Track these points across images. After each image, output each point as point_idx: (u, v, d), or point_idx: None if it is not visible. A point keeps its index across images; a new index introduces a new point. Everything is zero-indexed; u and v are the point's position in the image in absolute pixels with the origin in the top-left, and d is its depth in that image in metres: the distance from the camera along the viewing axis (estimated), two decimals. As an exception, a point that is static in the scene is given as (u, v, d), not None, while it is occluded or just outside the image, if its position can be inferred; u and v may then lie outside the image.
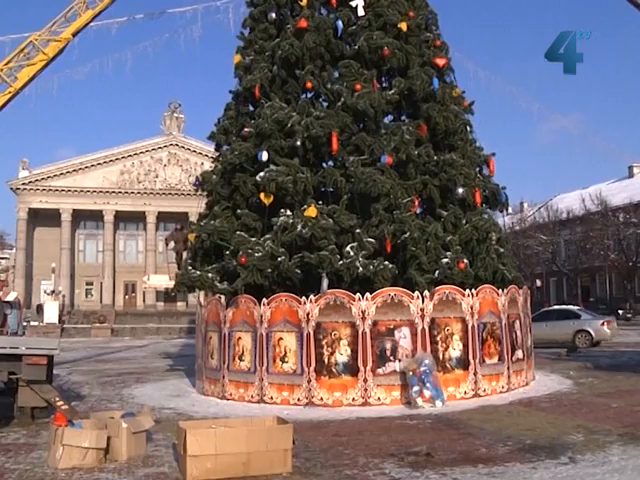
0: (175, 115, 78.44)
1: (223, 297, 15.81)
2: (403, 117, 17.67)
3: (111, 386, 18.63)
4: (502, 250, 16.86)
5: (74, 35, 25.12)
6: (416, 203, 15.62)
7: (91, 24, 25.73)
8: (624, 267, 60.90)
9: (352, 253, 14.70)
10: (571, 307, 34.14)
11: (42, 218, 75.20)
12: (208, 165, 22.35)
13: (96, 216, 75.66)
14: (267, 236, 15.30)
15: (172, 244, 23.78)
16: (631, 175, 73.62)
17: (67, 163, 75.76)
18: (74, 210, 74.17)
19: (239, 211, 16.31)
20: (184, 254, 22.89)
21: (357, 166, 15.45)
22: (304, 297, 14.47)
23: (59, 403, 11.89)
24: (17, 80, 24.10)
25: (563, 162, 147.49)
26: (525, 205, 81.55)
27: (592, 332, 28.18)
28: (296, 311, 14.48)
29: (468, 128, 17.63)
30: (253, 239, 15.40)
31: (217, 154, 19.05)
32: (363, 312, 14.14)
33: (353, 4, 17.19)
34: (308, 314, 14.32)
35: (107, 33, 26.17)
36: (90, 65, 28.38)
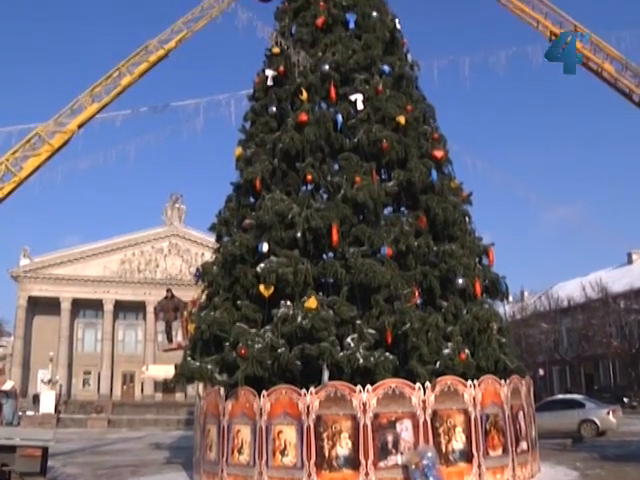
0: (177, 206, 79.29)
1: (222, 389, 15.65)
2: (402, 208, 17.87)
3: (107, 479, 18.24)
4: (503, 340, 16.79)
5: (79, 127, 25.60)
6: (416, 294, 15.67)
7: (96, 116, 26.27)
8: (627, 354, 60.31)
9: (353, 344, 14.63)
10: (575, 396, 33.72)
11: (41, 306, 74.97)
12: (209, 256, 22.44)
13: (96, 305, 75.45)
14: (267, 327, 15.27)
15: (162, 314, 23.41)
16: (630, 262, 73.75)
17: (68, 252, 76.06)
18: (74, 299, 74.06)
19: (239, 302, 16.30)
20: (174, 324, 22.59)
21: (357, 257, 15.55)
22: (304, 389, 14.31)
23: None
24: (22, 170, 24.43)
25: (562, 250, 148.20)
26: (526, 294, 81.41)
27: (597, 421, 27.73)
28: (296, 403, 14.30)
29: (467, 219, 17.87)
30: (253, 330, 15.38)
31: (218, 245, 19.18)
32: (364, 404, 13.96)
33: (352, 98, 17.70)
34: (308, 407, 14.14)
35: (111, 125, 26.62)
36: (94, 156, 28.78)
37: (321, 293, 15.63)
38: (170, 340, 22.84)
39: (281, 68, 18.99)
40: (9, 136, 25.29)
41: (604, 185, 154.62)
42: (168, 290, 24.49)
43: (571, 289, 70.45)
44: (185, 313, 21.39)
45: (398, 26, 20.39)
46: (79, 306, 76.35)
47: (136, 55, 22.95)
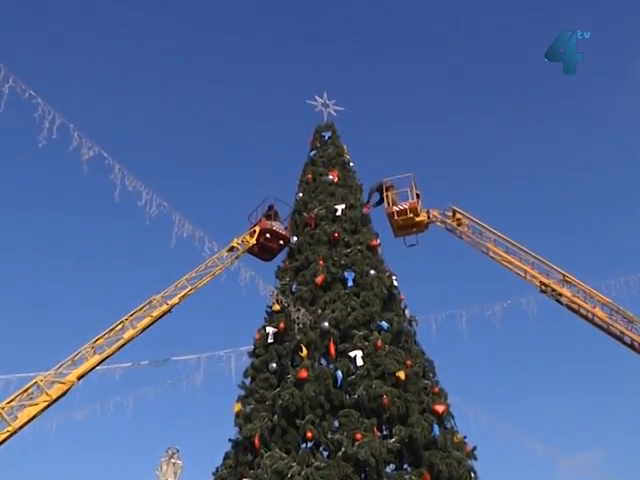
0: (172, 461, 76.89)
1: None
2: (405, 465, 17.39)
3: None
4: None
5: (79, 378, 25.58)
6: None
7: (97, 368, 26.37)
8: None
9: None
10: None
11: None
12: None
13: None
14: None
15: None
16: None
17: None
18: None
19: None
20: None
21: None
22: None
23: None
24: (17, 419, 24.10)
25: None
26: None
27: None
28: None
29: (472, 474, 17.36)
30: None
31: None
32: None
33: (352, 354, 17.93)
34: None
35: (111, 376, 26.71)
36: (91, 407, 28.55)
37: None
38: None
39: (281, 325, 19.41)
40: (7, 384, 25.27)
41: (618, 432, 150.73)
42: None
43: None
44: None
45: (395, 283, 21.06)
46: None
47: (140, 309, 23.49)
